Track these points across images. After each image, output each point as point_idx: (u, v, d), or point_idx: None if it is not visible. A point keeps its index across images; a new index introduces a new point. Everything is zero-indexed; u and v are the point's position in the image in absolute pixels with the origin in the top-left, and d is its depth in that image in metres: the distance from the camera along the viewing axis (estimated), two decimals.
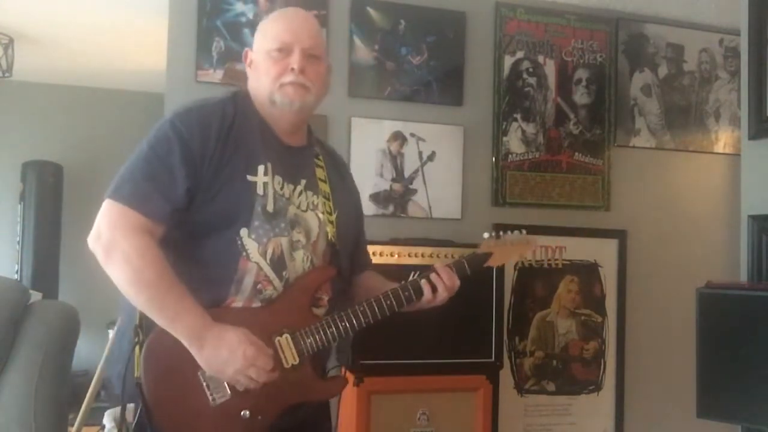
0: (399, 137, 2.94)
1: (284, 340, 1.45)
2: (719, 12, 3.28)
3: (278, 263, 1.47)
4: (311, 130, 1.66)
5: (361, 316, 1.52)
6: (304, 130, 1.62)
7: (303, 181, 1.54)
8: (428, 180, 2.96)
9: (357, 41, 2.92)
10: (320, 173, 1.58)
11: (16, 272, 5.14)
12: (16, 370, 2.04)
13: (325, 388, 1.54)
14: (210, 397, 1.41)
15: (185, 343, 1.38)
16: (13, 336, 2.07)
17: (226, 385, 1.41)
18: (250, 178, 1.45)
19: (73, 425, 3.00)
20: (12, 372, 2.04)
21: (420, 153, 2.97)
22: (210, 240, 1.45)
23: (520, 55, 3.15)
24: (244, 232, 1.44)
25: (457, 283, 1.61)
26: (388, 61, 2.96)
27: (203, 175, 1.42)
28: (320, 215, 1.55)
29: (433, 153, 2.98)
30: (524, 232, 1.74)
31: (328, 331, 1.49)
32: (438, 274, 1.59)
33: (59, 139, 5.35)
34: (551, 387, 3.12)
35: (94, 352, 4.01)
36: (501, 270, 2.86)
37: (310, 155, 1.60)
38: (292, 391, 1.47)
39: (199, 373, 1.41)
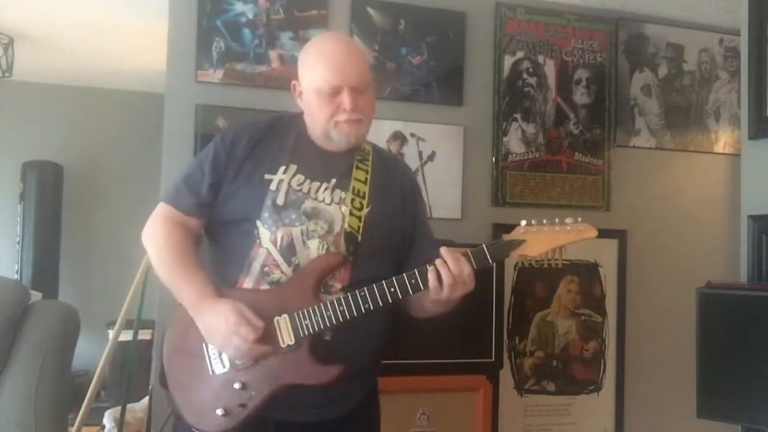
0: (399, 137, 2.94)
1: (283, 320, 1.54)
2: (719, 12, 3.28)
3: (287, 250, 1.60)
4: (366, 142, 1.78)
5: (360, 301, 1.53)
6: None
7: (333, 180, 1.67)
8: (428, 180, 2.96)
9: (357, 41, 2.92)
10: (360, 174, 1.69)
11: (16, 272, 5.14)
12: (16, 370, 2.04)
13: (319, 372, 1.54)
14: (209, 367, 1.58)
15: (189, 312, 1.59)
16: (13, 336, 2.07)
17: (225, 357, 1.57)
18: (267, 176, 1.64)
19: (73, 425, 3.00)
20: (12, 372, 2.04)
21: (420, 153, 2.97)
22: (232, 229, 1.66)
23: (520, 55, 3.15)
24: (258, 222, 1.62)
25: (466, 270, 1.52)
26: (388, 61, 2.96)
27: (227, 174, 1.66)
28: (344, 209, 1.64)
29: (433, 153, 2.98)
30: (579, 219, 1.56)
31: (325, 314, 1.53)
32: (443, 260, 1.52)
33: (59, 139, 5.36)
34: (551, 387, 3.12)
35: (94, 352, 4.02)
36: (501, 270, 2.86)
37: (348, 158, 1.70)
38: (287, 372, 1.54)
39: (203, 344, 1.59)
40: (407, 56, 2.98)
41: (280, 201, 1.62)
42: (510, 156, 3.11)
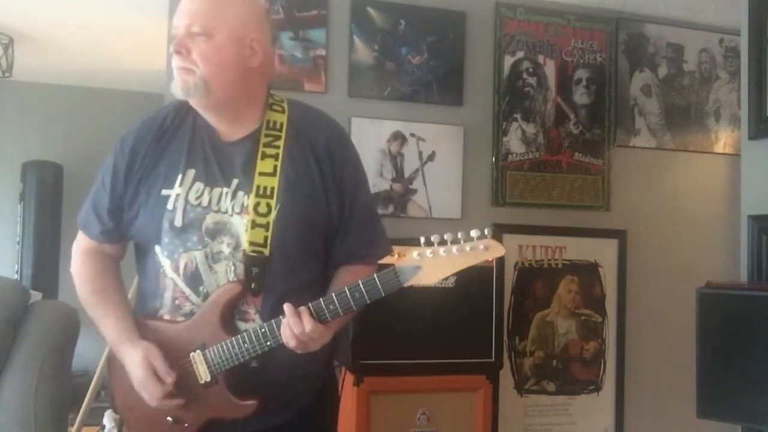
0: (399, 137, 2.94)
1: (197, 356, 1.43)
2: (719, 12, 3.27)
3: (192, 279, 1.44)
4: (283, 108, 1.51)
5: (261, 338, 1.38)
6: (248, 118, 1.47)
7: (235, 182, 1.44)
8: (428, 180, 2.96)
9: (357, 41, 2.92)
10: (266, 164, 1.43)
11: (16, 272, 5.14)
12: (16, 370, 2.04)
13: (237, 407, 1.43)
14: (146, 401, 1.47)
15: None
16: (13, 336, 2.07)
17: None
18: (164, 192, 1.45)
19: (73, 425, 3.00)
20: (12, 372, 2.03)
21: (420, 153, 2.97)
22: (143, 256, 1.52)
23: (520, 55, 3.15)
24: (158, 249, 1.46)
25: (309, 328, 1.32)
26: (388, 61, 2.96)
27: (125, 194, 1.48)
28: (245, 220, 1.41)
29: (433, 153, 2.98)
30: (487, 232, 1.27)
31: (232, 352, 1.39)
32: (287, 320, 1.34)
33: (59, 139, 5.36)
34: (551, 387, 3.12)
35: (94, 352, 4.01)
36: (501, 270, 2.86)
37: (250, 144, 1.45)
38: (208, 407, 1.45)
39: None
40: (407, 56, 2.98)
41: (178, 222, 1.42)
42: (510, 156, 3.10)
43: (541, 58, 3.17)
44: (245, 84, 1.45)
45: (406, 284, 1.31)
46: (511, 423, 3.01)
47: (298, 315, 1.33)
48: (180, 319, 1.46)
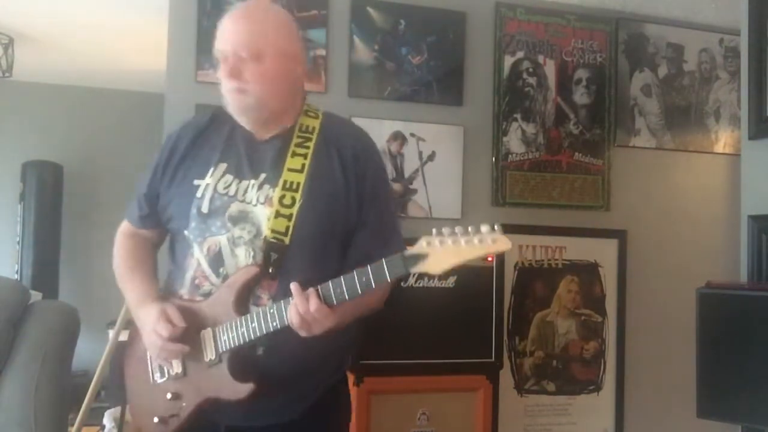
0: (399, 137, 2.94)
1: (207, 334, 1.51)
2: (719, 12, 3.28)
3: (215, 260, 1.54)
4: (317, 115, 1.63)
5: (269, 318, 1.44)
6: (283, 120, 1.59)
7: (262, 175, 1.55)
8: (428, 180, 2.96)
9: (357, 41, 2.92)
10: (295, 161, 1.55)
11: (16, 272, 5.14)
12: (16, 370, 2.04)
13: (235, 389, 1.48)
14: (150, 375, 1.61)
15: (132, 316, 1.63)
16: (13, 336, 2.07)
17: (164, 368, 1.58)
18: (196, 182, 1.58)
19: (73, 425, 3.00)
20: (12, 372, 2.04)
21: (420, 153, 2.97)
22: (174, 241, 1.65)
23: (520, 55, 3.15)
24: (186, 233, 1.58)
25: (314, 307, 1.37)
26: (388, 61, 2.96)
27: (162, 182, 1.64)
28: (269, 210, 1.51)
29: (433, 153, 2.98)
30: (497, 228, 1.28)
31: (239, 330, 1.46)
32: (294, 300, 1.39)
33: (59, 139, 5.36)
34: (551, 387, 3.12)
35: (94, 352, 4.01)
36: (501, 270, 2.87)
37: (281, 144, 1.57)
38: (208, 385, 1.52)
39: (147, 353, 1.61)
40: (407, 56, 2.98)
41: (205, 209, 1.55)
42: (510, 156, 3.11)
43: (541, 58, 3.17)
44: (291, 96, 1.61)
45: (412, 271, 1.33)
46: (511, 423, 3.01)
47: (305, 295, 1.38)
48: (198, 298, 1.55)
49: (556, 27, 3.20)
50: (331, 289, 1.38)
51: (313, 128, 1.60)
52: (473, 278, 2.73)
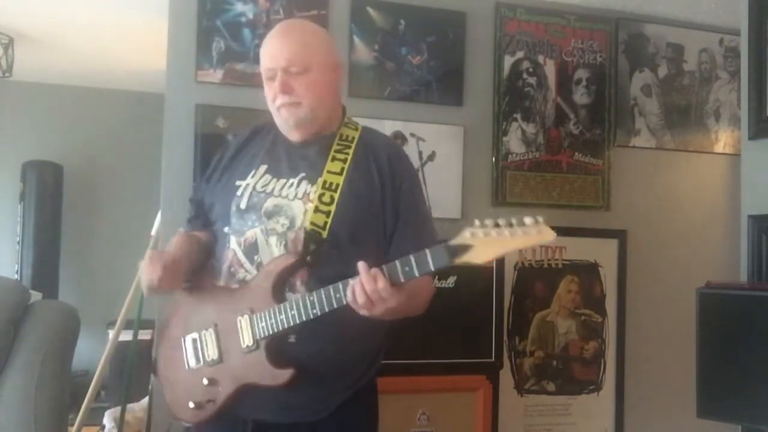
0: (399, 137, 2.94)
1: (244, 320, 1.57)
2: (719, 12, 3.27)
3: (250, 249, 1.64)
4: (356, 127, 1.76)
5: (309, 305, 1.49)
6: (326, 128, 1.72)
7: (301, 174, 1.66)
8: (428, 180, 2.96)
9: (357, 41, 2.92)
10: (335, 165, 1.65)
11: (16, 272, 5.15)
12: (16, 370, 2.04)
13: (273, 374, 1.53)
14: (185, 361, 1.65)
15: None
16: (13, 336, 2.07)
17: (199, 353, 1.63)
18: (237, 183, 1.70)
19: (73, 425, 3.00)
20: (12, 372, 2.04)
21: (420, 153, 2.96)
22: (217, 238, 1.75)
23: (520, 55, 3.15)
24: (227, 229, 1.69)
25: (381, 285, 1.39)
26: (388, 61, 2.96)
27: (207, 186, 1.81)
28: (308, 205, 1.61)
29: (433, 153, 2.98)
30: (540, 220, 1.31)
31: (278, 317, 1.52)
32: (359, 278, 1.41)
33: (59, 139, 5.36)
34: (551, 387, 3.12)
35: (94, 352, 4.02)
36: (501, 270, 2.87)
37: (321, 149, 1.69)
38: (246, 371, 1.57)
39: (182, 338, 1.67)
40: (407, 56, 2.98)
41: (243, 205, 1.66)
42: (510, 156, 3.11)
43: (541, 58, 3.17)
44: (335, 105, 1.75)
45: (457, 261, 1.35)
46: (511, 423, 3.01)
47: (372, 273, 1.41)
48: (234, 285, 1.63)
49: (556, 27, 3.20)
50: (399, 268, 1.40)
51: (353, 138, 1.72)
52: (473, 278, 2.73)
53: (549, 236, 1.29)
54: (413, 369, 2.56)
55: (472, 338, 2.67)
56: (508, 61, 3.13)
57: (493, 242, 1.33)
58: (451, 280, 2.68)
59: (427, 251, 1.37)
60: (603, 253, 3.20)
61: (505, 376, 2.99)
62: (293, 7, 2.83)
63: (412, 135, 2.96)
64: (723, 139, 3.44)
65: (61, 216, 5.28)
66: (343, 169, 1.65)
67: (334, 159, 1.66)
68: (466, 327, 2.66)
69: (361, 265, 1.41)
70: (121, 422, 3.35)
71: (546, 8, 3.19)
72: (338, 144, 1.69)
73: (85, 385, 3.22)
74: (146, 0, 3.40)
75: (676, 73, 3.38)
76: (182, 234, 1.82)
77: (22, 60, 4.32)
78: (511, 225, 1.31)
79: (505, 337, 2.98)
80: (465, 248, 1.34)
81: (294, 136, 1.69)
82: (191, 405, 1.62)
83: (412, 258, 1.39)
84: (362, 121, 2.88)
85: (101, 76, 5.07)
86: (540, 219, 1.30)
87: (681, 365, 2.77)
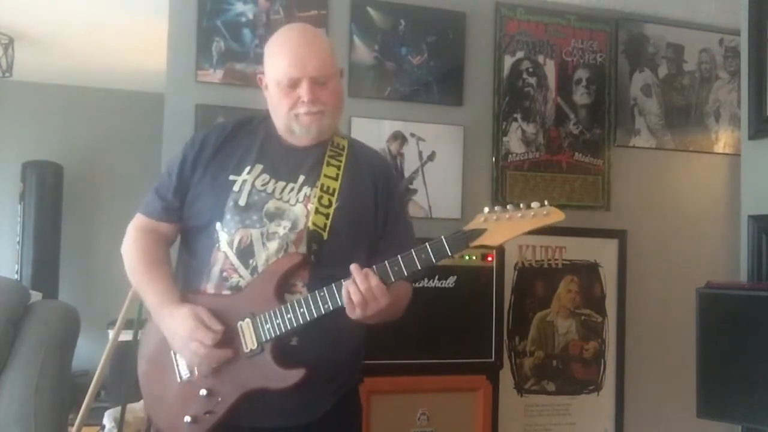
0: (399, 137, 2.94)
1: (246, 325, 1.53)
2: (719, 12, 3.28)
3: (244, 252, 1.59)
4: (345, 137, 1.77)
5: (319, 301, 1.50)
6: (330, 132, 1.73)
7: (301, 178, 1.65)
8: (428, 180, 2.96)
9: (357, 41, 2.92)
10: (330, 170, 1.66)
11: (16, 272, 5.15)
12: (16, 370, 2.04)
13: (283, 376, 1.51)
14: (177, 374, 1.59)
15: (153, 318, 1.62)
16: (13, 336, 2.07)
17: (192, 365, 1.57)
18: (231, 177, 1.64)
19: (73, 425, 3.00)
20: (12, 372, 2.04)
21: (420, 153, 2.97)
22: (197, 234, 1.67)
23: (520, 55, 3.15)
24: (218, 225, 1.62)
25: (374, 283, 1.44)
26: (388, 61, 2.96)
27: (193, 176, 1.68)
28: (309, 206, 1.61)
29: (433, 153, 2.98)
30: (547, 203, 1.42)
31: (286, 317, 1.51)
32: (353, 279, 1.45)
33: (59, 139, 5.36)
34: (551, 387, 3.12)
35: (94, 352, 4.02)
36: (501, 270, 2.86)
37: (318, 154, 1.68)
38: (251, 376, 1.53)
39: (172, 352, 1.60)
40: (407, 56, 2.98)
41: (242, 202, 1.62)
42: (510, 156, 3.11)
43: (541, 58, 3.17)
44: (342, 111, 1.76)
45: (472, 245, 1.41)
46: (511, 423, 3.01)
47: (364, 273, 1.45)
48: (225, 292, 1.58)
49: (556, 27, 3.20)
50: (388, 268, 1.46)
51: (343, 146, 1.73)
52: (473, 278, 2.73)
53: (558, 216, 1.38)
54: (413, 369, 2.56)
55: (472, 338, 2.67)
56: (508, 61, 3.13)
57: (506, 225, 1.42)
58: (451, 280, 2.68)
59: (443, 238, 1.44)
60: (603, 253, 3.20)
61: (505, 376, 2.99)
62: (293, 7, 2.83)
63: (412, 135, 2.96)
64: (723, 139, 3.44)
65: (61, 216, 5.28)
66: (338, 174, 1.67)
67: (329, 164, 1.67)
68: (466, 327, 2.65)
69: (353, 267, 1.46)
70: (121, 422, 3.35)
71: (546, 8, 3.19)
72: (331, 150, 1.70)
73: (85, 385, 3.21)
74: (146, 0, 3.40)
75: (676, 73, 3.38)
76: (151, 235, 1.70)
77: (22, 60, 4.33)
78: (520, 209, 1.40)
79: (505, 337, 2.98)
80: (479, 232, 1.41)
81: (303, 141, 1.67)
82: (187, 419, 1.55)
83: (427, 246, 1.45)
84: (362, 121, 2.92)
85: (101, 76, 5.07)
86: (547, 202, 1.38)
87: (681, 365, 2.77)
